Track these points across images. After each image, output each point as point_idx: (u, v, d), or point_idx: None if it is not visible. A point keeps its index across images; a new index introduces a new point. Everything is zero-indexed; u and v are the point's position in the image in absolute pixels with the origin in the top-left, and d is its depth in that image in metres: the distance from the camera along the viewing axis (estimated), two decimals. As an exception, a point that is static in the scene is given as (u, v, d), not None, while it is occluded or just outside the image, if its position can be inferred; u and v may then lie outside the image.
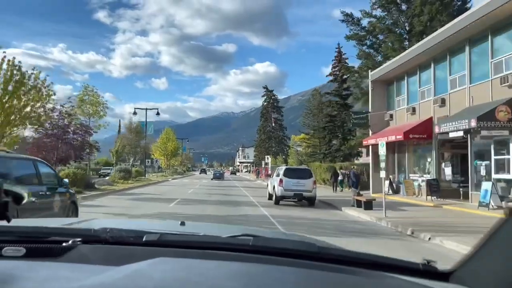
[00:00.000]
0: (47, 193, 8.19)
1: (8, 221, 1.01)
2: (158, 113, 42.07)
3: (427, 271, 1.28)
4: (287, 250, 1.34)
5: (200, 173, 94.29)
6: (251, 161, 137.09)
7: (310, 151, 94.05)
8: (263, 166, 67.66)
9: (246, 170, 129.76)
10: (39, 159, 9.63)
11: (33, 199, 7.28)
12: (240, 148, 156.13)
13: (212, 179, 50.67)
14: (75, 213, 9.52)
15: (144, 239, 1.32)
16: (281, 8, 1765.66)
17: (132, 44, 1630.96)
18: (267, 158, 45.70)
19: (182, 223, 1.84)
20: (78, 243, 1.27)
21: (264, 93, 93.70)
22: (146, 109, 42.10)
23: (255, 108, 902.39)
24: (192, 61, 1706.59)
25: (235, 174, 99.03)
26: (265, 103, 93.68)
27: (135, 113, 41.51)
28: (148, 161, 50.91)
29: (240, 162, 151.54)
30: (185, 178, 56.25)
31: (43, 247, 1.26)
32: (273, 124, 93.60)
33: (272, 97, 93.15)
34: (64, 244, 1.26)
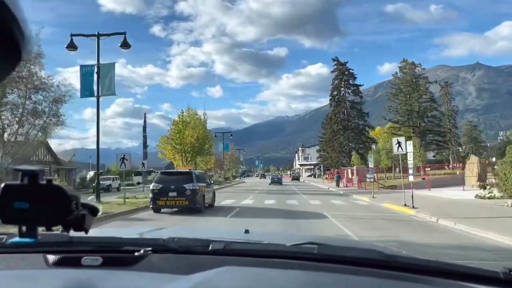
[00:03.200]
0: (207, 186, 16.25)
1: (86, 232, 1.05)
2: (126, 44, 17.01)
3: (509, 280, 1.14)
4: (353, 259, 1.25)
5: (260, 178, 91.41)
6: (314, 163, 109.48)
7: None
8: (354, 167, 41.07)
9: (309, 174, 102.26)
10: (203, 172, 22.82)
11: (209, 188, 17.14)
12: (300, 149, 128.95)
13: (270, 184, 47.69)
14: (214, 198, 17.80)
15: (210, 247, 1.32)
16: (331, 8, 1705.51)
17: (186, 55, 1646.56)
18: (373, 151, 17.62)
19: (246, 231, 1.80)
20: (149, 252, 1.28)
21: (334, 67, 66.23)
22: (98, 35, 17.04)
23: (309, 111, 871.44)
24: (245, 67, 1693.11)
25: (298, 179, 71.28)
26: (336, 81, 66.11)
27: (72, 45, 16.50)
28: (142, 167, 25.74)
29: (301, 165, 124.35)
30: (220, 191, 30.08)
31: (118, 256, 1.29)
32: (349, 110, 65.97)
33: (346, 72, 65.56)
34: (136, 253, 1.27)
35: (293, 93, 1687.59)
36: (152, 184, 15.17)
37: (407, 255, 1.46)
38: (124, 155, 18.84)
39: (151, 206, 14.72)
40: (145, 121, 55.81)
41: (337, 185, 42.47)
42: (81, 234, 1.07)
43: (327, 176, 54.99)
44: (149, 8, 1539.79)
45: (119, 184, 40.85)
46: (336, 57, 66.21)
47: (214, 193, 18.02)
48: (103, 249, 1.32)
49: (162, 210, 14.79)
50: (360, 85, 64.98)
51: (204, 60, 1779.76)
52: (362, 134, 63.55)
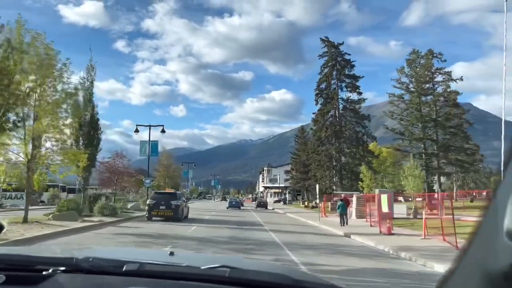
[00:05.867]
0: (183, 202, 22.66)
1: None
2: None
3: None
4: (261, 282, 1.31)
5: (221, 200, 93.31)
6: (284, 185, 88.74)
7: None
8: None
9: (277, 198, 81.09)
10: (180, 192, 29.09)
11: (185, 204, 24.29)
12: (265, 169, 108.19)
13: (227, 208, 43.02)
14: (188, 211, 24.62)
15: (124, 268, 1.29)
16: (296, 37, 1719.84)
17: (150, 72, 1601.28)
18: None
19: (171, 253, 1.75)
20: (59, 272, 1.24)
21: (324, 50, 46.51)
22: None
23: (273, 135, 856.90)
24: (210, 89, 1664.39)
25: (265, 207, 49.73)
26: (326, 70, 46.28)
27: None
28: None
29: (265, 187, 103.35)
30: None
31: (23, 275, 1.23)
32: (341, 111, 46.19)
33: (339, 59, 45.99)
34: (44, 272, 1.23)
35: (257, 117, 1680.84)
36: (148, 200, 22.09)
37: (316, 279, 1.44)
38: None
39: (146, 215, 21.17)
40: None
41: (342, 222, 21.64)
42: None
43: (315, 204, 33.98)
44: (114, 23, 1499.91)
45: None
46: (327, 37, 46.55)
47: (188, 208, 25.13)
48: (10, 267, 1.25)
49: (153, 218, 20.75)
50: (359, 77, 45.24)
51: (169, 79, 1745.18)
52: (360, 145, 43.43)
